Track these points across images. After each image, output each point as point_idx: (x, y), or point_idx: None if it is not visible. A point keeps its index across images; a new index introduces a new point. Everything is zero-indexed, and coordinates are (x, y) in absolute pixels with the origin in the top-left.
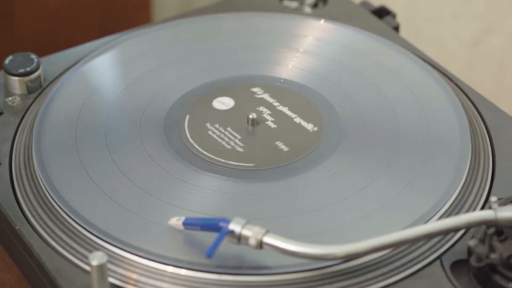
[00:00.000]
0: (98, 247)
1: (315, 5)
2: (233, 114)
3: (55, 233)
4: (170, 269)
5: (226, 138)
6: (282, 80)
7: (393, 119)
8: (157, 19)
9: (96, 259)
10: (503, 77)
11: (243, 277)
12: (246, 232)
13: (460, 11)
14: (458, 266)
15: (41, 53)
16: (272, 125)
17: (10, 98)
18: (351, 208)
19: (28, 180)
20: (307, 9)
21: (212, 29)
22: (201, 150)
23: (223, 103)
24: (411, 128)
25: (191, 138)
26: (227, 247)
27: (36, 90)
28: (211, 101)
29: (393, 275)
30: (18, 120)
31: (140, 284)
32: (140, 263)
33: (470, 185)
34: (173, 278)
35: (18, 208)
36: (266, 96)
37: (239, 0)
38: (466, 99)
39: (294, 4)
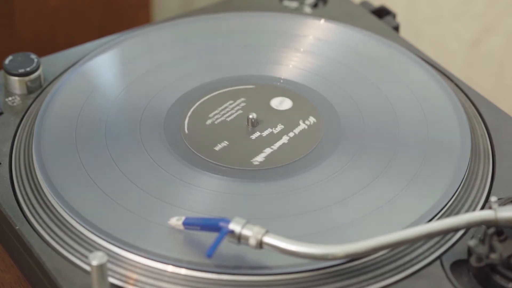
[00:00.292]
0: (98, 247)
1: (315, 5)
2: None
3: (55, 233)
4: (170, 268)
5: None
6: (282, 80)
7: (393, 119)
8: (157, 19)
9: (96, 259)
10: (503, 77)
11: (243, 277)
12: (246, 232)
13: (460, 11)
14: (458, 266)
15: (41, 53)
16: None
17: (10, 98)
18: (351, 208)
19: (28, 180)
20: (307, 9)
21: (212, 29)
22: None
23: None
24: (411, 128)
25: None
26: (227, 247)
27: (36, 90)
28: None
29: (393, 275)
30: (18, 120)
31: (140, 284)
32: (140, 263)
33: (470, 185)
34: (173, 278)
35: (18, 208)
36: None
37: (239, 0)
38: (466, 99)
39: (294, 4)
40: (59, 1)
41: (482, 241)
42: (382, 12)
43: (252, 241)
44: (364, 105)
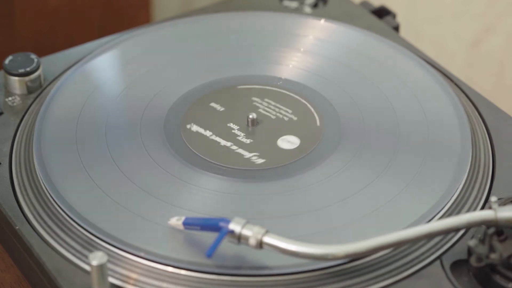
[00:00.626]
0: (98, 247)
1: (315, 5)
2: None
3: (55, 233)
4: (170, 269)
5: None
6: (282, 81)
7: (393, 119)
8: (157, 19)
9: (96, 259)
10: (503, 77)
11: (243, 277)
12: (246, 232)
13: (460, 11)
14: (458, 266)
15: (41, 53)
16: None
17: (10, 98)
18: (351, 208)
19: (28, 180)
20: (307, 9)
21: (212, 29)
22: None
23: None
24: (411, 128)
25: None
26: (227, 247)
27: (36, 90)
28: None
29: (393, 275)
30: (18, 120)
31: (140, 284)
32: (140, 263)
33: (470, 185)
34: (173, 278)
35: (18, 208)
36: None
37: (239, 0)
38: (466, 99)
39: (294, 4)
40: (59, 1)
41: (482, 241)
42: (382, 12)
43: (252, 241)
44: (364, 105)
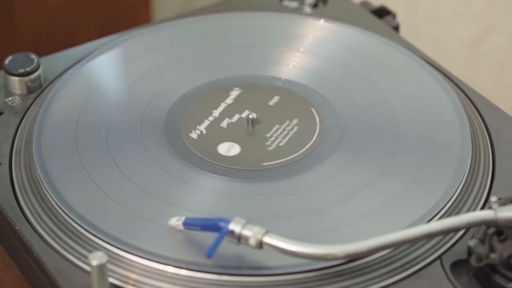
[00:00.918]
0: (98, 247)
1: (315, 5)
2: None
3: (55, 233)
4: (170, 269)
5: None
6: (282, 80)
7: (393, 119)
8: (157, 19)
9: (96, 259)
10: (503, 77)
11: (243, 277)
12: (246, 232)
13: (460, 11)
14: (458, 266)
15: (41, 53)
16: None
17: (10, 98)
18: (351, 208)
19: (28, 180)
20: (307, 9)
21: (212, 29)
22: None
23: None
24: (411, 128)
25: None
26: (227, 247)
27: (36, 90)
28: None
29: (393, 275)
30: (18, 120)
31: (140, 284)
32: (140, 263)
33: (470, 185)
34: (173, 278)
35: (18, 208)
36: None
37: (239, 0)
38: (466, 99)
39: (294, 4)
40: (59, 1)
41: (482, 241)
42: (382, 12)
43: (252, 241)
44: (364, 105)
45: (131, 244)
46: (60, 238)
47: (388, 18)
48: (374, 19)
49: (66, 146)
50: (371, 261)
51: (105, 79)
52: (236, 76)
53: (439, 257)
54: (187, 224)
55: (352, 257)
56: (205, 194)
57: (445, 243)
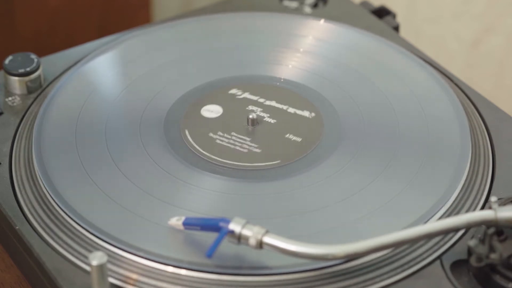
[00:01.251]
0: (98, 247)
1: (315, 5)
2: (233, 114)
3: (55, 233)
4: (170, 269)
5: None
6: (282, 80)
7: (393, 119)
8: (157, 19)
9: (96, 259)
10: (503, 77)
11: (243, 277)
12: (246, 232)
13: (460, 11)
14: (458, 266)
15: (41, 53)
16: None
17: (10, 98)
18: (351, 208)
19: (28, 180)
20: (307, 9)
21: (212, 29)
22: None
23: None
24: (411, 128)
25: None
26: (227, 247)
27: (36, 90)
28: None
29: (393, 275)
30: (18, 120)
31: (140, 284)
32: (140, 263)
33: (470, 185)
34: (173, 278)
35: (18, 208)
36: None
37: (239, 0)
38: (466, 99)
39: (294, 4)
40: (59, 1)
41: (482, 241)
42: (382, 12)
43: (252, 241)
44: (364, 105)
45: (131, 244)
46: (60, 238)
47: (388, 18)
48: (374, 19)
49: (66, 146)
50: (371, 261)
51: (105, 79)
52: (236, 76)
53: (439, 257)
54: (187, 224)
55: (352, 257)
56: (205, 194)
57: (445, 243)
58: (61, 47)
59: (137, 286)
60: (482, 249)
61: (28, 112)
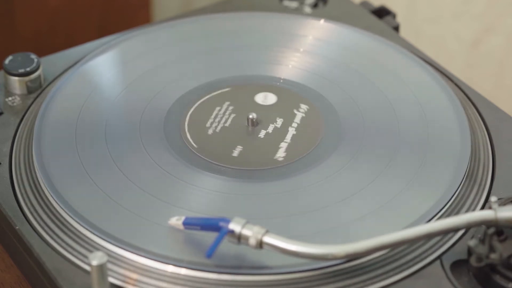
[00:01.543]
0: (98, 247)
1: (315, 5)
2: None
3: (55, 233)
4: (170, 268)
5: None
6: (282, 80)
7: (393, 119)
8: (157, 19)
9: (96, 259)
10: (503, 77)
11: (243, 277)
12: (246, 232)
13: (460, 11)
14: (458, 266)
15: (41, 53)
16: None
17: (10, 98)
18: (351, 208)
19: (28, 180)
20: (307, 9)
21: (212, 29)
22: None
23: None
24: (411, 128)
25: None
26: (227, 247)
27: (36, 90)
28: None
29: (393, 275)
30: (18, 120)
31: (140, 284)
32: (140, 263)
33: (470, 185)
34: (173, 278)
35: (18, 208)
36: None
37: (239, 0)
38: (466, 99)
39: (294, 4)
40: (59, 1)
41: (482, 241)
42: (382, 12)
43: (252, 241)
44: (364, 105)
45: (131, 243)
46: (60, 238)
47: (388, 18)
48: (374, 19)
49: (66, 146)
50: (371, 260)
51: (105, 79)
52: (236, 76)
53: (439, 257)
54: (187, 223)
55: (352, 257)
56: (205, 194)
57: (445, 243)
58: (61, 47)
59: (137, 286)
60: (482, 249)
61: (28, 112)
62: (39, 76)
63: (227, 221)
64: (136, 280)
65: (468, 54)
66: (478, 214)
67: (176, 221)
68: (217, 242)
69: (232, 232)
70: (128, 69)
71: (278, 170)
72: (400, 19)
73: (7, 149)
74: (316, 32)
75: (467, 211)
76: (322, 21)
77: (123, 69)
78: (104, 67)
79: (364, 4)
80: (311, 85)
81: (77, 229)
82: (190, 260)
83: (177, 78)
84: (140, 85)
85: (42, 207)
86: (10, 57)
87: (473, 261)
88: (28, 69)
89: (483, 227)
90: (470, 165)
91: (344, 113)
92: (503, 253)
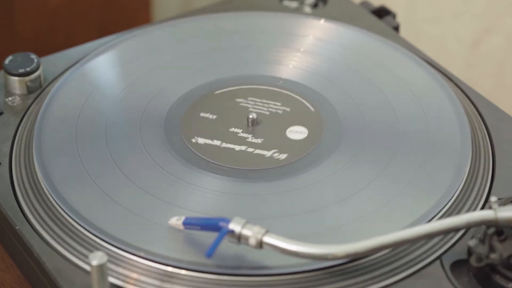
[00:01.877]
0: (98, 247)
1: (315, 5)
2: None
3: (55, 233)
4: (170, 269)
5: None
6: (282, 81)
7: (393, 119)
8: (157, 19)
9: (96, 259)
10: (503, 77)
11: (243, 277)
12: (246, 232)
13: (460, 11)
14: (458, 266)
15: (41, 53)
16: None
17: (10, 98)
18: (351, 208)
19: (28, 180)
20: (307, 9)
21: (212, 29)
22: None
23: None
24: (411, 128)
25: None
26: (227, 247)
27: (36, 90)
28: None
29: (393, 275)
30: (18, 120)
31: (140, 284)
32: (140, 263)
33: (470, 185)
34: (173, 278)
35: (18, 208)
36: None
37: (239, 0)
38: (466, 99)
39: (294, 4)
40: (59, 1)
41: (482, 241)
42: (382, 12)
43: (252, 241)
44: (364, 105)
45: (131, 243)
46: (60, 238)
47: (388, 18)
48: (374, 19)
49: (66, 146)
50: (371, 261)
51: (105, 79)
52: (236, 76)
53: (439, 257)
54: (187, 223)
55: (352, 257)
56: (205, 194)
57: (445, 243)
58: (61, 47)
59: (137, 286)
60: (482, 249)
61: (28, 112)
62: (39, 76)
63: (227, 221)
64: (136, 280)
65: (468, 54)
66: (478, 214)
67: (176, 221)
68: (217, 242)
69: (232, 232)
70: (128, 69)
71: (278, 170)
72: (400, 19)
73: (7, 149)
74: (316, 32)
75: (467, 211)
76: (322, 21)
77: (123, 69)
78: (104, 67)
79: (364, 4)
80: (311, 85)
81: (77, 229)
82: (190, 260)
83: (177, 78)
84: (140, 85)
85: (42, 207)
86: (10, 57)
87: (473, 261)
88: (28, 69)
89: (483, 227)
90: (470, 165)
91: (344, 113)
92: (503, 253)
